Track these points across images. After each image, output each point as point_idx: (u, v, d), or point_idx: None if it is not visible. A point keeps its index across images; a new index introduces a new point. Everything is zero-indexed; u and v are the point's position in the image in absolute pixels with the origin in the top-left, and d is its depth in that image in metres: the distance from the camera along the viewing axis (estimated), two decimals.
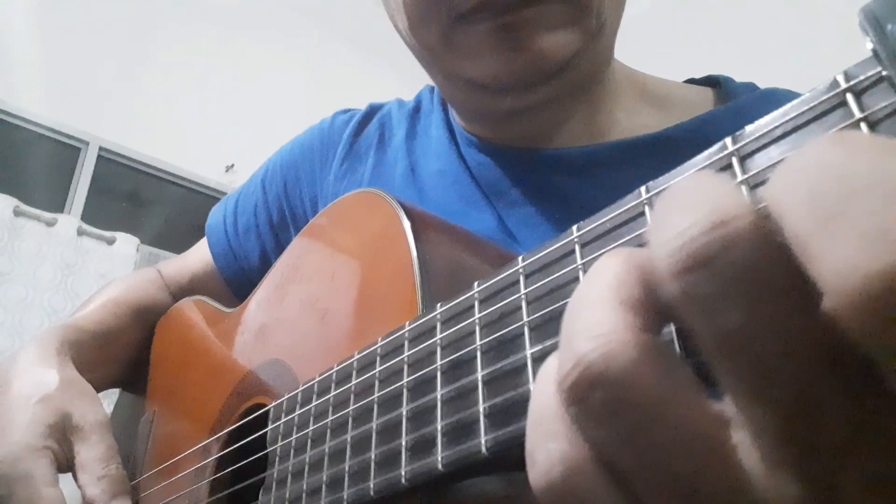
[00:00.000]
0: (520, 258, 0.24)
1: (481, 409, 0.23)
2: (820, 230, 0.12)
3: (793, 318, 0.13)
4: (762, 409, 0.14)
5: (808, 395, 0.13)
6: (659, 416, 0.14)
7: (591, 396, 0.15)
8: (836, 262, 0.12)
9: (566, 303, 0.21)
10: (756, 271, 0.13)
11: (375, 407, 0.29)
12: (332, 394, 0.33)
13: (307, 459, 0.33)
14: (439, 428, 0.25)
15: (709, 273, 0.13)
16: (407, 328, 0.29)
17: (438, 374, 0.26)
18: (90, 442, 0.49)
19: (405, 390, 0.27)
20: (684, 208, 0.14)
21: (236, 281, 0.68)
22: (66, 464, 0.50)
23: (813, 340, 0.13)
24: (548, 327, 0.22)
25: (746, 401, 0.14)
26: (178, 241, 2.63)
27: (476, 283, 0.26)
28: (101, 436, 0.50)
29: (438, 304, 0.27)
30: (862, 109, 0.15)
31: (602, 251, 0.21)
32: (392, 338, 0.30)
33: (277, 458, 0.37)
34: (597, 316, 0.15)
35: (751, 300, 0.13)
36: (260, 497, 0.37)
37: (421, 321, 0.28)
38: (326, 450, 0.32)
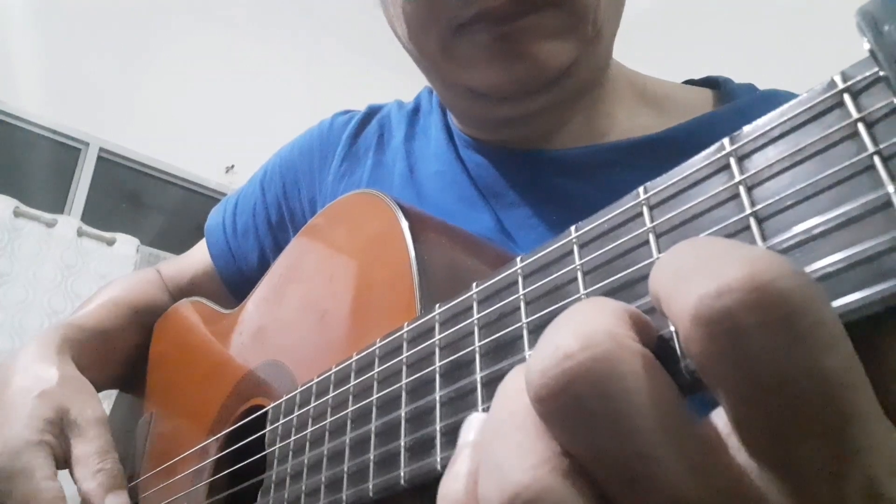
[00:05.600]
0: (518, 259, 0.24)
1: (480, 410, 0.23)
2: (674, 287, 0.15)
3: (658, 434, 0.15)
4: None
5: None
6: None
7: None
8: (680, 300, 0.14)
9: (565, 303, 0.21)
10: (611, 399, 0.15)
11: (374, 408, 0.29)
12: (331, 395, 0.33)
13: (306, 461, 0.33)
14: (438, 429, 0.25)
15: (564, 402, 0.15)
16: (405, 329, 0.29)
17: (437, 374, 0.26)
18: (87, 437, 0.49)
19: (404, 391, 0.27)
20: (548, 334, 0.16)
21: (235, 282, 0.68)
22: (63, 459, 0.50)
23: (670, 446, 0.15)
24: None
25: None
26: (177, 242, 2.63)
27: (475, 284, 0.26)
28: (98, 431, 0.50)
29: (437, 305, 0.27)
30: (859, 110, 0.15)
31: (600, 251, 0.21)
32: (391, 339, 0.30)
33: (276, 460, 0.37)
34: (525, 442, 0.16)
35: (607, 425, 0.15)
36: (259, 499, 0.37)
37: (419, 322, 0.28)
38: (325, 451, 0.32)
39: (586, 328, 0.15)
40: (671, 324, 0.16)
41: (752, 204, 0.17)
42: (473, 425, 0.20)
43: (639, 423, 0.14)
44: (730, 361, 0.13)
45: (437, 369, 0.26)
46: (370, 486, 0.28)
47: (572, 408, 0.15)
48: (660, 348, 0.16)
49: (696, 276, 0.14)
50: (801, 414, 0.13)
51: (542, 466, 0.15)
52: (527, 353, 0.22)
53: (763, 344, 0.13)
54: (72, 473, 0.49)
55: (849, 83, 0.15)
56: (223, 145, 2.88)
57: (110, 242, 2.49)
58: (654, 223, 0.19)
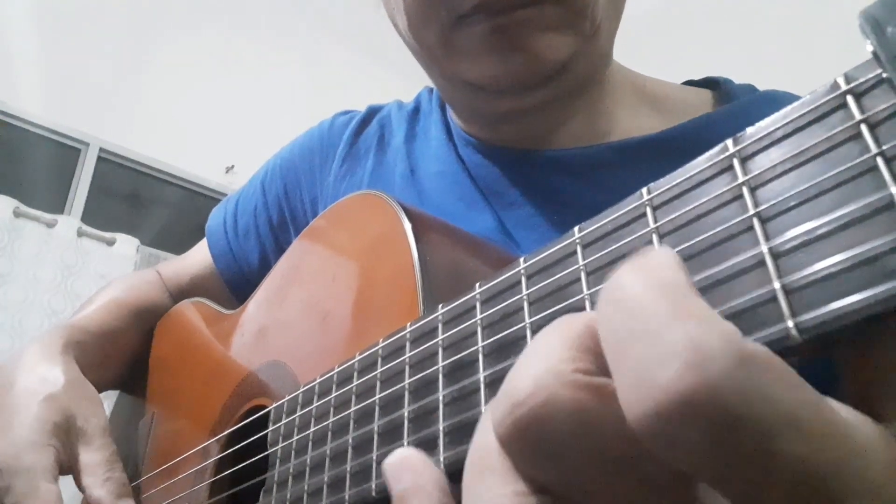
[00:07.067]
0: (521, 259, 0.24)
1: (483, 410, 0.23)
2: (615, 366, 0.14)
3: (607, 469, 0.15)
4: None
5: None
6: None
7: None
8: (624, 396, 0.14)
9: (568, 304, 0.21)
10: (567, 438, 0.15)
11: (377, 408, 0.29)
12: (334, 395, 0.33)
13: (308, 460, 0.34)
14: (441, 429, 0.25)
15: (524, 439, 0.15)
16: (408, 329, 0.29)
17: (440, 375, 0.26)
18: (94, 446, 0.50)
19: (407, 391, 0.28)
20: (511, 375, 0.16)
21: (236, 282, 0.68)
22: (66, 464, 0.50)
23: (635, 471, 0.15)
24: None
25: None
26: (178, 242, 2.63)
27: (478, 284, 0.26)
28: (104, 440, 0.50)
29: (440, 305, 0.27)
30: (862, 111, 0.15)
31: (603, 252, 0.21)
32: (394, 339, 0.30)
33: (278, 460, 0.37)
34: (500, 487, 0.16)
35: (568, 460, 0.15)
36: (261, 499, 0.37)
37: (422, 322, 0.28)
38: (328, 451, 0.32)
39: (535, 370, 0.15)
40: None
41: (756, 205, 0.17)
42: (398, 471, 0.21)
43: (583, 461, 0.15)
44: (681, 458, 0.13)
45: (440, 369, 0.26)
46: (373, 486, 0.28)
47: (528, 450, 0.15)
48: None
49: (631, 367, 0.14)
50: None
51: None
52: None
53: (709, 453, 0.13)
54: (78, 480, 0.49)
55: (852, 85, 0.15)
56: (223, 145, 2.88)
57: (110, 242, 2.49)
58: (658, 224, 0.19)
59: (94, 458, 0.49)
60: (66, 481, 0.49)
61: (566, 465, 0.15)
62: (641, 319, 0.14)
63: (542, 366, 0.15)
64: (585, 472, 0.15)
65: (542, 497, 0.16)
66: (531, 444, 0.15)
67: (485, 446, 0.17)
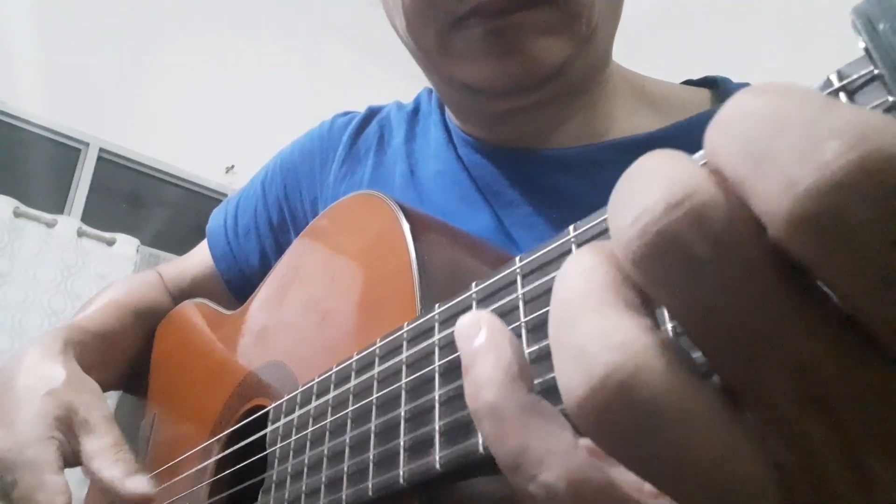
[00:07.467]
0: (517, 258, 0.24)
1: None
2: (755, 172, 0.12)
3: (766, 284, 0.13)
4: (757, 376, 0.13)
5: (804, 356, 0.13)
6: (689, 433, 0.13)
7: (622, 416, 0.13)
8: (771, 193, 0.12)
9: None
10: (724, 247, 0.13)
11: (374, 407, 0.29)
12: (332, 395, 0.33)
13: (306, 460, 0.34)
14: (437, 428, 0.25)
15: (673, 254, 0.13)
16: (405, 329, 0.29)
17: (437, 374, 0.26)
18: (98, 433, 0.50)
19: (404, 391, 0.28)
20: (637, 190, 0.14)
21: (237, 283, 0.68)
22: (71, 457, 0.50)
23: (789, 300, 0.13)
24: (545, 328, 0.22)
25: (740, 372, 0.13)
26: (178, 243, 2.63)
27: (474, 284, 0.26)
28: (108, 427, 0.50)
29: (437, 305, 0.27)
30: None
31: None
32: (391, 338, 0.30)
33: (277, 460, 0.37)
34: (607, 322, 0.14)
35: (722, 275, 0.13)
36: (259, 498, 0.37)
37: (419, 321, 0.28)
38: (325, 451, 0.32)
39: (678, 178, 0.13)
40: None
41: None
42: (473, 329, 0.19)
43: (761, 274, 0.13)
44: (845, 265, 0.12)
45: (437, 369, 0.26)
46: (369, 486, 0.28)
47: (678, 260, 0.13)
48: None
49: (781, 160, 0.12)
50: None
51: (632, 343, 0.14)
52: (525, 351, 0.22)
53: (885, 240, 0.11)
54: (87, 467, 0.49)
55: (844, 82, 0.15)
56: (223, 145, 2.89)
57: (110, 243, 2.49)
58: None
59: (100, 443, 0.49)
60: (70, 475, 0.49)
61: (722, 280, 0.13)
62: (785, 115, 0.12)
63: (683, 177, 0.13)
64: (722, 288, 0.13)
65: (659, 337, 0.14)
66: (684, 252, 0.13)
67: (580, 291, 0.15)
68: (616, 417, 0.14)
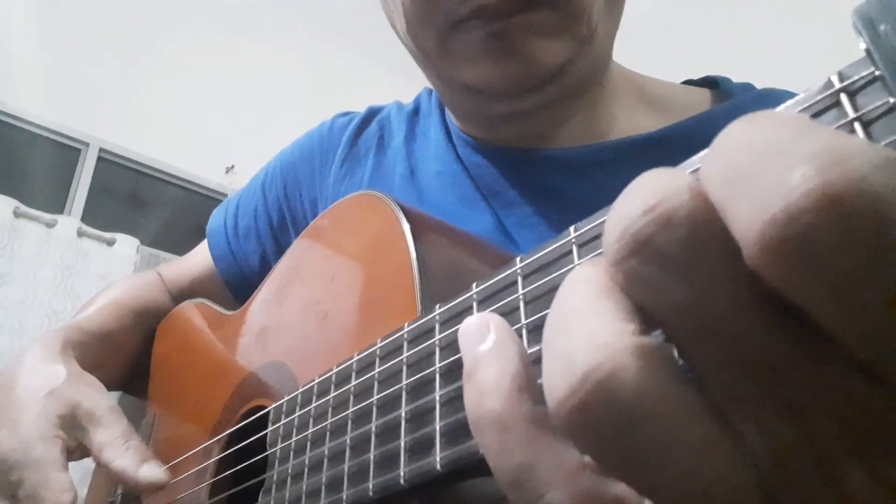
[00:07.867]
0: (518, 259, 0.24)
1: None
2: (731, 196, 0.13)
3: (732, 283, 0.13)
4: (730, 375, 0.13)
5: (773, 360, 0.13)
6: (667, 433, 0.13)
7: (600, 415, 0.14)
8: (744, 217, 0.12)
9: None
10: (691, 247, 0.13)
11: (374, 408, 0.29)
12: (332, 395, 0.33)
13: (307, 461, 0.34)
14: (438, 428, 0.25)
15: (646, 254, 0.14)
16: (406, 329, 0.29)
17: (437, 374, 0.26)
18: (106, 423, 0.50)
19: (404, 391, 0.28)
20: (623, 203, 0.15)
21: (237, 283, 0.68)
22: (77, 453, 0.50)
23: (759, 305, 0.13)
24: None
25: (715, 372, 0.14)
26: (178, 243, 2.63)
27: (475, 284, 0.26)
28: (115, 418, 0.50)
29: (437, 305, 0.27)
30: (856, 109, 0.15)
31: (599, 251, 0.21)
32: (391, 339, 0.30)
33: (277, 460, 0.37)
34: (594, 325, 0.14)
35: (690, 273, 0.13)
36: (259, 499, 0.37)
37: (420, 322, 0.28)
38: (326, 451, 0.32)
39: (657, 189, 0.14)
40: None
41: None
42: (480, 332, 0.19)
43: (701, 274, 0.13)
44: (812, 292, 0.12)
45: (438, 369, 0.26)
46: (370, 486, 0.28)
47: (649, 259, 0.14)
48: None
49: (756, 186, 0.12)
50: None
51: (614, 345, 0.14)
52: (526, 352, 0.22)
53: (850, 267, 0.11)
54: (97, 459, 0.49)
55: (845, 83, 0.15)
56: (223, 145, 2.88)
57: (110, 243, 2.49)
58: None
59: (108, 434, 0.49)
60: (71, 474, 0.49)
61: (689, 282, 0.13)
62: (764, 141, 0.12)
63: (662, 183, 0.14)
64: (705, 289, 0.13)
65: (641, 339, 0.14)
66: (657, 253, 0.14)
67: (572, 301, 0.15)
68: (594, 416, 0.14)
